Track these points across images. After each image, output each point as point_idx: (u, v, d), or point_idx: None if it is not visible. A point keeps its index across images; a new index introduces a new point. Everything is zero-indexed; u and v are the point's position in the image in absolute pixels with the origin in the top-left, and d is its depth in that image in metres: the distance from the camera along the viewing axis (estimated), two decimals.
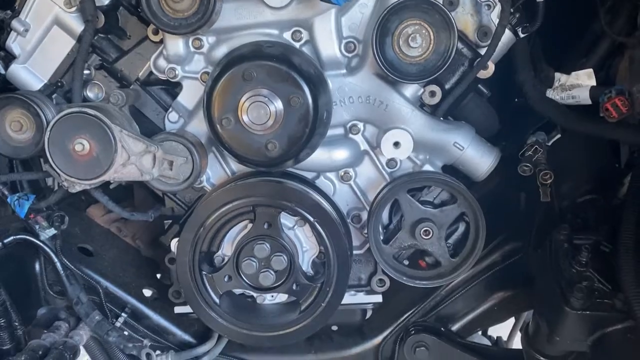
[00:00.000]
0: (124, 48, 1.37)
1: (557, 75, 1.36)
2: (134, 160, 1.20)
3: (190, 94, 1.32)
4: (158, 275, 1.63)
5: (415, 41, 1.16)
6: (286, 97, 1.11)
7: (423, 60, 1.18)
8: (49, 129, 1.18)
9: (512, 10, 1.27)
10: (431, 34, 1.16)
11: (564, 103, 1.35)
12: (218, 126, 1.14)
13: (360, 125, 1.31)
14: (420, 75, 1.19)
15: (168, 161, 1.22)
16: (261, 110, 1.11)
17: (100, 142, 1.18)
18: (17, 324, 1.36)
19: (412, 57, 1.18)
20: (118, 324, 1.48)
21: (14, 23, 1.31)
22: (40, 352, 1.28)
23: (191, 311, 1.37)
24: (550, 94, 1.36)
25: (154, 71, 1.32)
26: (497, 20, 1.28)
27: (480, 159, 1.31)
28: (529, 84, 1.35)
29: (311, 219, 1.22)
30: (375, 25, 1.16)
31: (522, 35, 1.34)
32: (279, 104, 1.12)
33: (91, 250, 1.60)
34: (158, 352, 1.48)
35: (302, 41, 1.26)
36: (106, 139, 1.17)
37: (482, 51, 1.31)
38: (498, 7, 1.28)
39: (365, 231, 1.33)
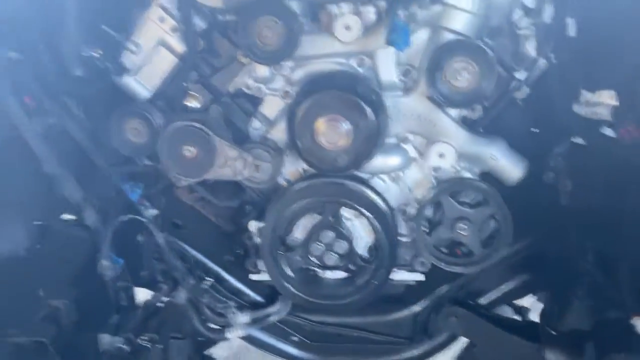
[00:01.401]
0: (216, 65, 1.65)
1: (584, 91, 1.58)
2: (229, 164, 1.51)
3: (271, 107, 1.60)
4: (235, 248, 1.96)
5: (462, 75, 1.40)
6: (355, 121, 1.39)
7: (468, 90, 1.43)
8: (163, 137, 1.49)
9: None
10: (476, 69, 1.40)
11: (588, 117, 1.57)
12: (298, 142, 1.43)
13: (411, 136, 1.57)
14: (465, 102, 1.44)
15: (256, 165, 1.52)
16: (334, 132, 1.39)
17: (204, 148, 1.49)
18: (130, 285, 1.73)
19: (459, 87, 1.42)
20: (205, 287, 1.83)
21: (129, 43, 1.60)
22: (153, 309, 1.64)
23: (265, 279, 1.71)
24: (576, 108, 1.58)
25: (242, 87, 1.61)
26: (533, 49, 1.52)
27: (511, 169, 1.56)
28: (557, 98, 1.58)
29: (367, 214, 1.51)
30: (429, 61, 1.41)
31: (554, 62, 1.56)
32: (348, 127, 1.39)
33: (180, 224, 1.94)
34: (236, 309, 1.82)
35: (365, 67, 1.52)
36: (208, 146, 1.49)
37: (518, 74, 1.56)
38: (533, 39, 1.51)
39: (412, 223, 1.62)
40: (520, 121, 1.64)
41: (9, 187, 1.53)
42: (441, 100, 1.43)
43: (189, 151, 1.49)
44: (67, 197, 1.47)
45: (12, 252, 1.43)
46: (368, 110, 1.38)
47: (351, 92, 1.39)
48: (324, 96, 1.38)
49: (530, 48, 1.54)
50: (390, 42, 1.31)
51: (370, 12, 1.49)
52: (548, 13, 1.50)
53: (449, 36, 1.43)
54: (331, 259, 1.57)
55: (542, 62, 1.53)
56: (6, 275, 1.40)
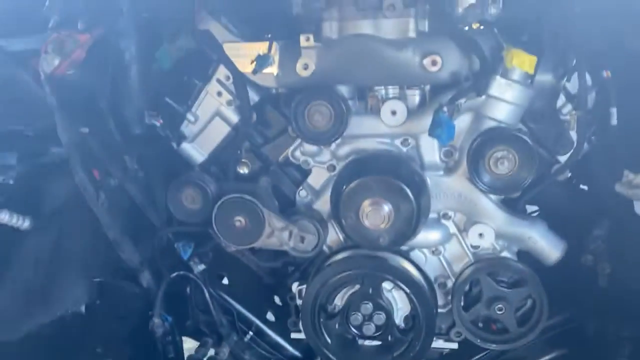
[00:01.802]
0: (267, 135, 1.74)
1: (626, 172, 1.60)
2: (276, 234, 1.60)
3: (317, 178, 1.68)
4: (276, 299, 2.04)
5: (503, 164, 1.45)
6: (397, 204, 1.45)
7: (508, 177, 1.47)
8: (216, 207, 1.59)
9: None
10: (516, 158, 1.45)
11: (629, 198, 1.59)
12: (342, 220, 1.50)
13: (451, 213, 1.62)
14: (506, 189, 1.49)
15: (301, 236, 1.60)
16: (377, 215, 1.45)
17: (253, 219, 1.58)
18: (177, 338, 1.83)
19: (500, 174, 1.47)
20: (247, 342, 1.91)
21: (188, 115, 1.71)
22: None
23: (305, 338, 1.77)
24: (618, 187, 1.60)
25: (291, 159, 1.69)
26: (574, 134, 1.55)
27: (549, 250, 1.59)
28: (598, 179, 1.61)
29: (406, 290, 1.56)
30: (470, 148, 1.47)
31: (596, 144, 1.59)
32: (391, 210, 1.46)
33: (225, 276, 2.04)
34: None
35: (409, 147, 1.58)
36: (257, 218, 1.58)
37: (560, 157, 1.60)
38: (575, 124, 1.54)
39: (449, 296, 1.66)
40: (560, 201, 1.68)
41: (72, 246, 1.66)
42: (483, 188, 1.48)
43: (239, 221, 1.58)
44: (126, 260, 1.58)
45: (74, 309, 1.55)
46: (410, 194, 1.44)
47: (395, 176, 1.45)
48: (369, 180, 1.45)
49: (572, 132, 1.57)
50: (434, 136, 1.38)
51: (415, 96, 1.57)
52: (590, 101, 1.54)
53: (491, 123, 1.49)
54: (369, 329, 1.62)
55: (584, 146, 1.56)
56: (68, 331, 1.52)
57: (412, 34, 1.37)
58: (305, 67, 1.49)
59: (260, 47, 1.55)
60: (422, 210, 1.47)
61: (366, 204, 1.46)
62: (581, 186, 1.77)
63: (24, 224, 1.43)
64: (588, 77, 1.52)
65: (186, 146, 1.75)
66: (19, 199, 1.43)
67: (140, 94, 1.82)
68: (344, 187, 1.48)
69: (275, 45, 1.54)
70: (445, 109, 1.36)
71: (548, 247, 1.59)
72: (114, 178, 1.74)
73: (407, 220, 1.46)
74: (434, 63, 1.43)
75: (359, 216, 1.47)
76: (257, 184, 1.66)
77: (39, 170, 1.47)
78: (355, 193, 1.47)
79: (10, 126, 1.70)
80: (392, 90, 1.56)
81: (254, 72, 1.55)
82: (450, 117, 1.36)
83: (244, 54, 1.58)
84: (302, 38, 1.46)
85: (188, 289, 1.97)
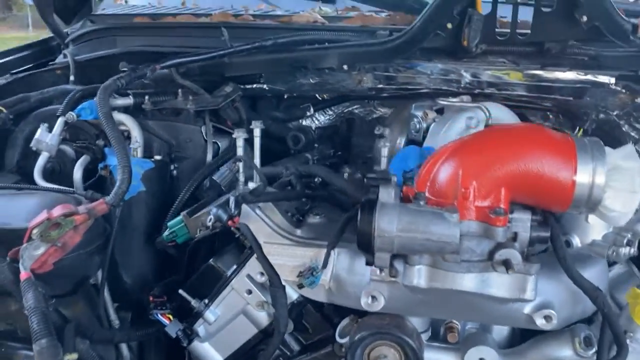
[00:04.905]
0: (303, 342, 1.38)
1: None
2: None
3: None
4: None
5: None
6: None
7: None
8: None
9: None
10: None
11: None
12: None
13: None
14: None
15: None
16: None
17: None
18: None
19: None
20: None
21: (207, 314, 1.35)
22: None
23: None
24: None
25: None
26: None
27: None
28: None
29: None
30: None
31: None
32: None
33: None
34: None
35: None
36: None
37: None
38: None
39: None
40: None
41: None
42: None
43: None
44: None
45: None
46: None
47: None
48: None
49: None
50: None
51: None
52: None
53: None
54: None
55: None
56: None
57: (529, 295, 1.01)
58: (373, 300, 1.13)
59: (312, 255, 1.20)
60: None
61: None
62: None
63: None
64: None
65: (199, 345, 1.38)
66: None
67: (146, 264, 1.48)
68: None
69: (332, 253, 1.18)
70: None
71: None
72: None
73: None
74: (547, 319, 1.07)
75: None
76: None
77: None
78: None
79: None
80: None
81: (299, 286, 1.20)
82: None
83: (288, 258, 1.23)
84: (373, 270, 1.10)
85: None
